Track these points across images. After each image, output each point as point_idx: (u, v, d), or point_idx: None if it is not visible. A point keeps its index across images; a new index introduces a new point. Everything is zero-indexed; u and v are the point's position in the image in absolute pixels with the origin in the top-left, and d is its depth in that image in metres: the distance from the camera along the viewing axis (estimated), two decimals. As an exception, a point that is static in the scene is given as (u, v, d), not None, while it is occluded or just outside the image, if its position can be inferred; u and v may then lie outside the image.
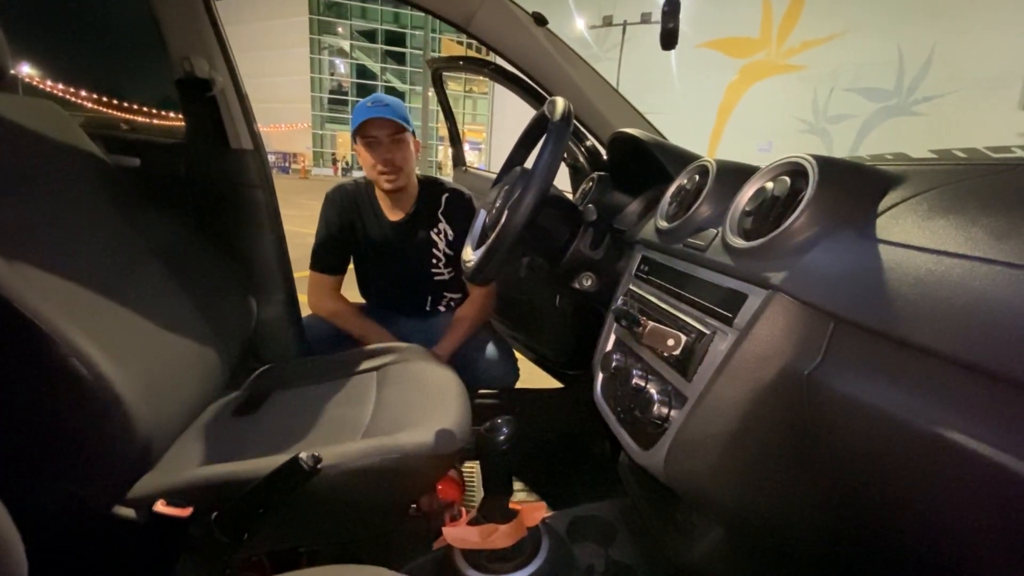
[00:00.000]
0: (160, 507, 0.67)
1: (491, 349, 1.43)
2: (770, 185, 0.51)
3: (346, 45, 36.76)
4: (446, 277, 1.44)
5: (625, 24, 14.43)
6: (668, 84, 13.67)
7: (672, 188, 0.72)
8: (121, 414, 0.63)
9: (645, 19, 14.40)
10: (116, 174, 0.92)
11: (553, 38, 1.05)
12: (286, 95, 36.57)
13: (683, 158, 0.79)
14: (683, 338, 0.53)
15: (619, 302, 0.68)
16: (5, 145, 0.70)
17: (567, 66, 1.06)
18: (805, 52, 12.78)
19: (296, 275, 1.27)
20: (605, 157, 1.20)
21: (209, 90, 1.06)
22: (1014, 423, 0.29)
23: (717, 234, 0.56)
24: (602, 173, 1.08)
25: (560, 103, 0.75)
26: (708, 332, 0.51)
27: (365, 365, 1.05)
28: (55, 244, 0.69)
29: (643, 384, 0.59)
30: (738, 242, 0.50)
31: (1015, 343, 0.29)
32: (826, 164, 0.47)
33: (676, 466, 0.52)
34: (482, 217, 0.98)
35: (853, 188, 0.46)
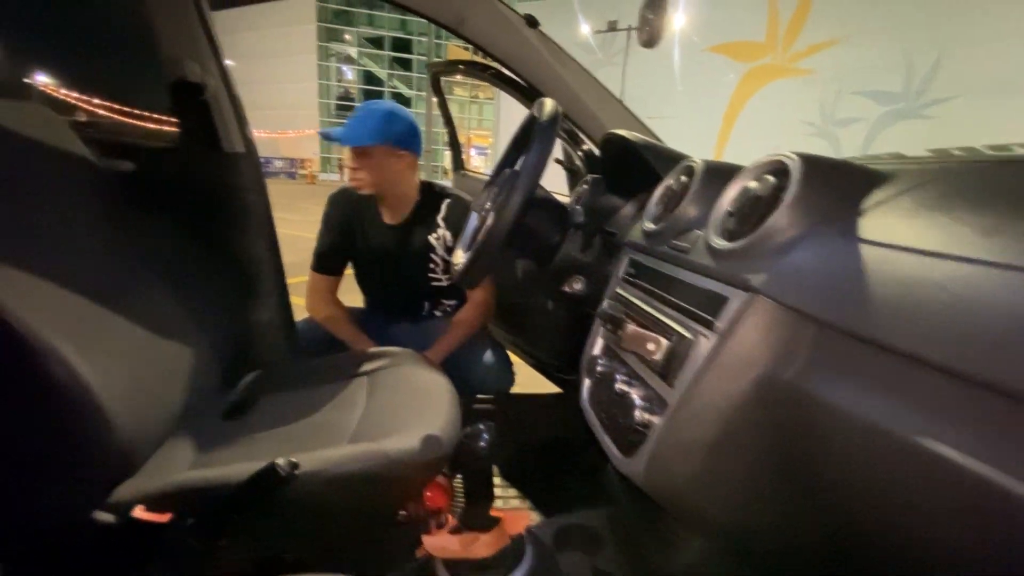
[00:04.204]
0: (139, 513, 0.66)
1: (485, 354, 1.41)
2: (753, 184, 0.49)
3: (354, 52, 37.10)
4: (444, 282, 1.43)
5: (630, 29, 14.46)
6: (673, 89, 13.66)
7: (659, 189, 0.70)
8: (102, 421, 0.62)
9: (650, 24, 14.36)
10: (108, 179, 0.92)
11: (545, 40, 1.05)
12: (294, 101, 36.89)
13: (672, 158, 0.78)
14: (664, 342, 0.52)
15: (605, 305, 0.67)
16: None
17: (559, 67, 1.05)
18: (812, 56, 12.73)
19: (293, 280, 1.27)
20: (598, 155, 1.19)
21: (201, 94, 1.05)
22: (997, 433, 0.27)
23: (701, 235, 0.55)
24: (596, 176, 1.07)
25: (548, 104, 0.74)
26: (690, 336, 0.49)
27: (357, 369, 1.04)
28: (43, 249, 0.69)
29: (626, 389, 0.57)
30: (720, 243, 0.49)
31: (997, 348, 0.27)
32: (809, 162, 0.45)
33: (657, 475, 0.50)
34: (473, 220, 0.97)
35: (836, 186, 0.45)
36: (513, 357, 1.50)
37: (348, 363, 1.07)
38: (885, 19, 11.04)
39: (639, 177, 0.89)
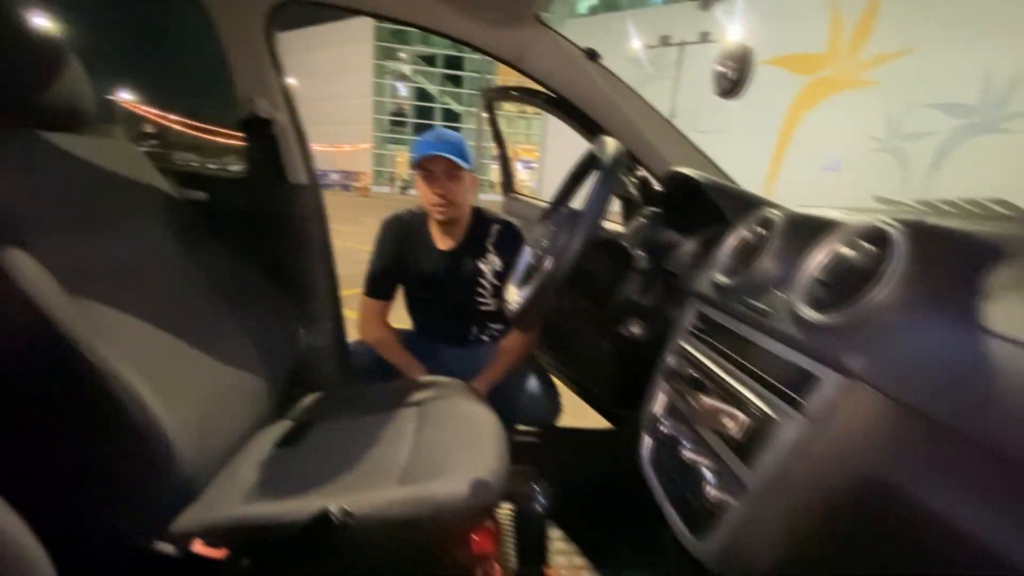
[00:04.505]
0: (197, 546, 0.67)
1: (532, 383, 1.39)
2: (847, 251, 0.45)
3: (407, 69, 38.56)
4: (492, 307, 1.43)
5: (683, 44, 14.25)
6: (727, 103, 13.28)
7: (731, 239, 0.66)
8: (166, 452, 0.64)
9: (704, 38, 14.16)
10: (182, 208, 0.97)
11: (606, 73, 1.03)
12: (350, 117, 38.72)
13: (744, 203, 0.73)
14: (743, 418, 0.48)
15: (670, 361, 0.63)
16: (79, 186, 0.74)
17: (620, 101, 1.02)
18: (878, 67, 12.10)
19: (347, 292, 1.30)
20: (658, 189, 1.15)
21: (270, 128, 1.10)
22: None
23: (783, 299, 0.50)
24: (655, 209, 1.03)
25: (609, 145, 0.72)
26: (774, 416, 0.45)
27: (406, 400, 1.04)
28: (119, 282, 0.72)
29: (695, 459, 0.53)
30: (809, 314, 0.44)
31: None
32: (915, 231, 0.41)
33: (731, 562, 0.46)
34: (527, 255, 0.96)
35: (950, 261, 0.39)
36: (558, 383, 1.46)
37: (397, 393, 1.08)
38: (960, 27, 10.40)
39: (701, 214, 0.85)
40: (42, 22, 0.71)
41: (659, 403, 0.68)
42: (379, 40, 36.53)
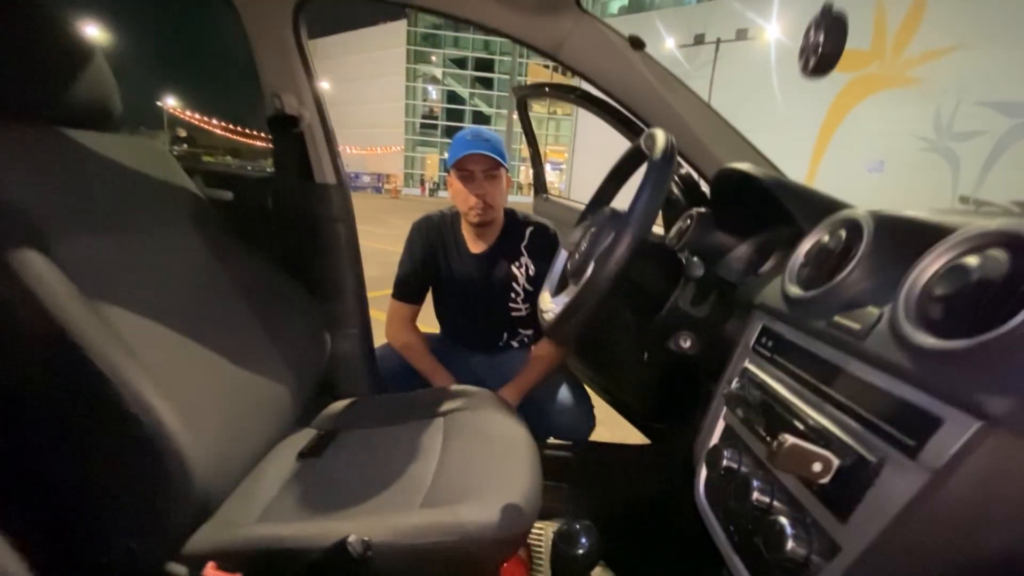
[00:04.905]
0: (210, 571, 0.63)
1: (565, 394, 1.32)
2: (972, 261, 0.36)
3: (439, 73, 39.06)
4: (523, 313, 1.37)
5: (718, 42, 13.93)
6: (763, 101, 12.92)
7: (806, 245, 0.57)
8: (181, 468, 0.60)
9: (741, 36, 13.81)
10: (209, 209, 0.94)
11: (651, 63, 0.95)
12: (382, 120, 39.50)
13: (816, 204, 0.65)
14: (831, 459, 0.40)
15: (733, 384, 0.55)
16: (106, 185, 0.72)
17: (667, 94, 0.95)
18: (925, 64, 11.49)
19: (376, 293, 1.25)
20: (705, 190, 1.07)
21: (297, 126, 1.07)
22: None
23: (880, 317, 0.42)
24: (702, 210, 0.95)
25: (661, 137, 0.64)
26: (873, 459, 0.37)
27: (432, 409, 0.99)
28: (142, 286, 0.69)
29: (767, 502, 0.45)
30: (924, 339, 0.36)
31: None
32: None
33: None
34: (563, 259, 0.89)
35: None
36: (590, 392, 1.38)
37: (424, 402, 1.03)
38: (1013, 20, 9.77)
39: (757, 215, 0.77)
40: (68, 18, 0.68)
41: (719, 431, 0.60)
42: (411, 44, 37.13)
